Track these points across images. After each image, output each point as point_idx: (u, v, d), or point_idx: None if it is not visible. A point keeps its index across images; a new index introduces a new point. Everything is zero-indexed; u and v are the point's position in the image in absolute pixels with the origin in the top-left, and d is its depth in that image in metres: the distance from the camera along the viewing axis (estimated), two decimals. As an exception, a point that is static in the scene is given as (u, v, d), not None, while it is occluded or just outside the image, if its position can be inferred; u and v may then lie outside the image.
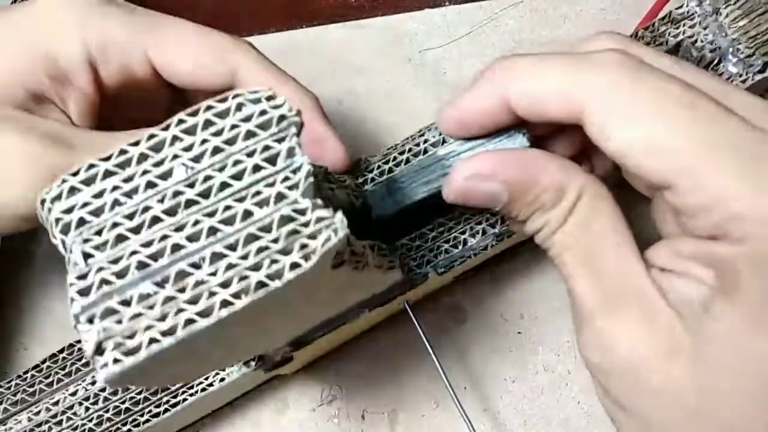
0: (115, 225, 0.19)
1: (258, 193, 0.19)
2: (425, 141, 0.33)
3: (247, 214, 0.19)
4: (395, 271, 0.29)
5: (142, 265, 0.19)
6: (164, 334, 0.18)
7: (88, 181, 0.19)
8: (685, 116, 0.19)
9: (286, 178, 0.20)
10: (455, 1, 0.43)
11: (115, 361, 0.18)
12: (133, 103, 0.28)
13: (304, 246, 0.19)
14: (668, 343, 0.19)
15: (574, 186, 0.21)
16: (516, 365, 0.36)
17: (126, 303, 0.18)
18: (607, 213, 0.21)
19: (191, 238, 0.19)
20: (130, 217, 0.19)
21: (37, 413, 0.30)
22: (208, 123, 0.20)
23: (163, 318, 0.18)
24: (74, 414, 0.30)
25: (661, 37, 0.34)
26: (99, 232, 0.19)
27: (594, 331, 0.21)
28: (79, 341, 0.32)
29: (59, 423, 0.30)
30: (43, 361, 0.31)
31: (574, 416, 0.36)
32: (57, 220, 0.19)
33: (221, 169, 0.19)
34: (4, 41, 0.25)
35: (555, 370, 0.37)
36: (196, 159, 0.19)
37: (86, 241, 0.19)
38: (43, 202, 0.19)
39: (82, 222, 0.19)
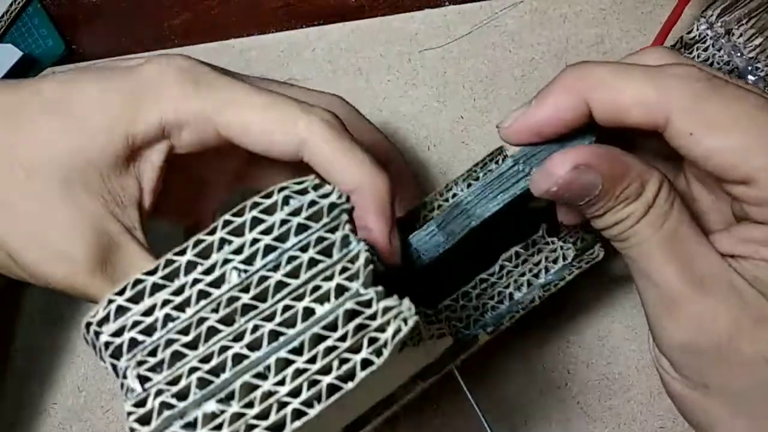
0: (169, 342, 0.18)
1: (317, 288, 0.18)
2: (454, 195, 0.32)
3: (309, 312, 0.18)
4: (446, 338, 0.27)
5: (203, 383, 0.17)
6: (237, 456, 0.16)
7: (136, 298, 0.18)
8: (765, 118, 0.21)
9: (345, 269, 0.18)
10: (455, 1, 0.42)
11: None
12: (207, 159, 0.28)
13: (373, 340, 0.18)
14: (756, 313, 0.22)
15: (655, 179, 0.23)
16: (517, 367, 0.35)
17: (191, 426, 0.17)
18: (680, 203, 0.23)
19: (252, 347, 0.18)
20: (185, 331, 0.18)
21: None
22: (256, 221, 0.19)
23: (233, 439, 0.17)
24: None
25: (676, 64, 0.34)
26: (153, 352, 0.18)
27: (687, 311, 0.22)
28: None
29: None
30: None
31: (574, 416, 0.35)
32: (107, 344, 0.18)
33: (275, 268, 0.18)
34: (93, 115, 0.25)
35: (555, 369, 0.36)
36: (248, 261, 0.18)
37: (140, 363, 0.17)
38: (88, 325, 0.18)
39: (134, 343, 0.18)
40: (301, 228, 0.19)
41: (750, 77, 0.33)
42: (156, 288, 0.18)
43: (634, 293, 0.38)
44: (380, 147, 0.31)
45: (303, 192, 0.19)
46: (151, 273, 0.18)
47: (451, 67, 0.40)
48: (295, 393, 0.17)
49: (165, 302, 0.18)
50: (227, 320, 0.18)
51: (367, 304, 0.18)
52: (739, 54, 0.33)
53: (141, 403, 0.17)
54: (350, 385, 0.17)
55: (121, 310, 0.18)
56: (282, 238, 0.19)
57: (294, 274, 0.18)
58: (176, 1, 0.44)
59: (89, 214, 0.24)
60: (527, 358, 0.36)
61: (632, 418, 0.36)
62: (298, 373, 0.17)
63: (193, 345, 0.18)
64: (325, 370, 0.17)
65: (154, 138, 0.25)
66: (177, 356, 0.17)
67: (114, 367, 0.18)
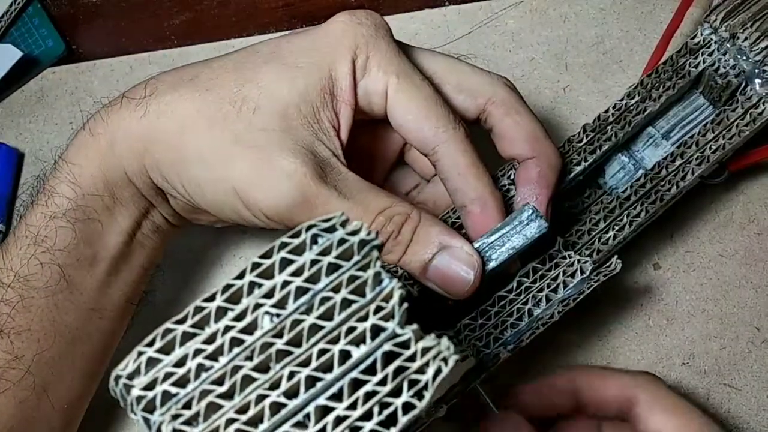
0: (204, 393, 0.17)
1: (352, 329, 0.18)
2: None
3: (345, 355, 0.17)
4: (468, 360, 0.27)
5: (241, 434, 0.17)
6: None
7: (167, 349, 0.17)
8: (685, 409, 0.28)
9: (379, 308, 0.18)
10: (455, 1, 0.42)
11: None
12: (365, 140, 0.31)
13: (413, 383, 0.17)
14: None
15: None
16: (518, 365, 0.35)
17: (231, 480, 0.16)
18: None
19: (290, 394, 0.17)
20: (220, 381, 0.17)
21: None
22: (285, 262, 0.18)
23: (277, 493, 0.16)
24: None
25: (682, 70, 0.34)
26: (188, 405, 0.17)
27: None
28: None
29: None
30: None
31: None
32: (139, 398, 0.17)
33: (308, 311, 0.18)
34: (300, 61, 0.28)
35: (555, 369, 0.35)
36: (280, 304, 0.18)
37: (175, 417, 0.17)
38: (117, 378, 0.17)
39: (167, 396, 0.17)
40: (332, 267, 0.18)
41: (757, 80, 0.33)
42: (187, 337, 0.17)
43: (634, 293, 0.38)
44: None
45: (331, 229, 0.19)
46: (181, 321, 0.18)
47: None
48: (336, 441, 0.17)
49: (197, 352, 0.17)
50: (262, 367, 0.17)
51: (405, 344, 0.18)
52: (745, 57, 0.33)
53: (178, 459, 0.17)
54: (392, 430, 0.17)
55: (152, 362, 0.17)
56: (313, 279, 0.18)
57: (328, 316, 0.18)
58: (176, 1, 0.43)
59: (304, 139, 0.27)
60: (527, 358, 0.35)
61: (632, 418, 0.36)
62: (339, 420, 0.17)
63: (228, 395, 0.17)
64: (366, 417, 0.17)
65: (350, 82, 0.29)
66: (213, 408, 0.17)
67: (147, 421, 0.17)
